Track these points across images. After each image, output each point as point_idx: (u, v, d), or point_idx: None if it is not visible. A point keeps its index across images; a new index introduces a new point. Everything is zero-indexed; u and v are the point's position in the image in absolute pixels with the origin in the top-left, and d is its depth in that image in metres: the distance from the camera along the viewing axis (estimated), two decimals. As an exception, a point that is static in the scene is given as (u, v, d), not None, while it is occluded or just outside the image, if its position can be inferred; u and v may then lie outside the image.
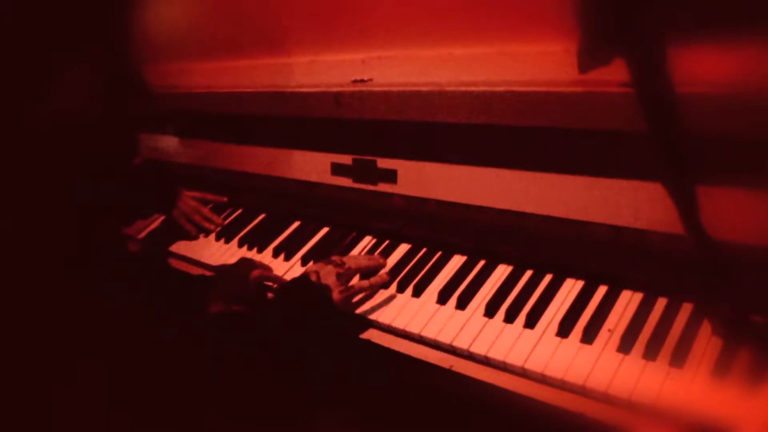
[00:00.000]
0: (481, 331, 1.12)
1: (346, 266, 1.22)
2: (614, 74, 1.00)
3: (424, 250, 1.33)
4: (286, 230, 1.54)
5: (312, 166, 1.48)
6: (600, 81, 1.03)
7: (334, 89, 1.37)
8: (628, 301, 1.08)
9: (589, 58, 1.04)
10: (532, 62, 1.13)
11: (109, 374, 1.07)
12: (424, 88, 1.23)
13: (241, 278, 1.34)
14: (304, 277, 1.20)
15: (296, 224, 1.54)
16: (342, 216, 1.47)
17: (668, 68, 0.93)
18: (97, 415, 1.07)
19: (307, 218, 1.53)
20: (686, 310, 1.03)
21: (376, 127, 1.34)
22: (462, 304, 1.18)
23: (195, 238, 1.64)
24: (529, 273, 1.20)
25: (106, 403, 1.07)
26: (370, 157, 1.37)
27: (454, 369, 1.10)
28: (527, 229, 1.21)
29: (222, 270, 1.42)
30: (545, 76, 1.11)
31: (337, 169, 1.43)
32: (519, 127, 1.17)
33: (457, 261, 1.28)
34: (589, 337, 1.04)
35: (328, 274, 1.20)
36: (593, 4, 1.01)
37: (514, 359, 1.05)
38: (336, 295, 1.18)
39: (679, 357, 0.96)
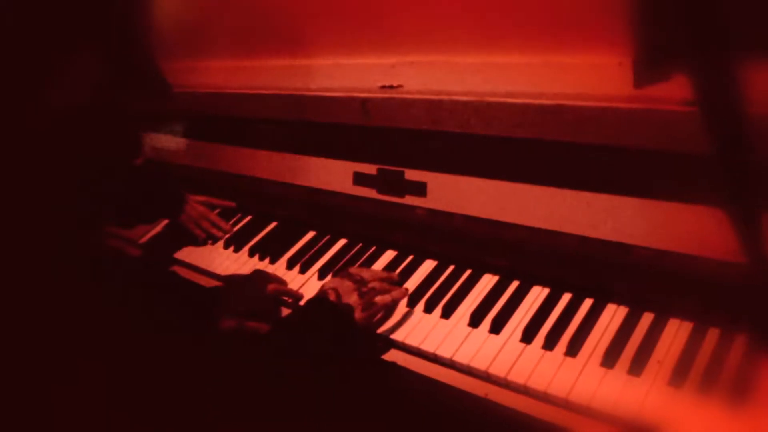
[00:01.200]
0: (518, 357, 1.06)
1: (369, 285, 1.14)
2: (674, 91, 0.95)
3: (452, 267, 1.26)
4: (300, 240, 1.46)
5: (332, 175, 1.40)
6: (658, 98, 0.97)
7: (360, 95, 1.30)
8: (676, 331, 1.02)
9: (647, 72, 0.99)
10: (581, 75, 1.07)
11: (110, 375, 1.02)
12: (461, 98, 1.16)
13: (255, 292, 1.26)
14: (323, 296, 1.13)
15: (311, 234, 1.47)
16: (361, 228, 1.39)
17: (739, 87, 0.87)
18: (96, 416, 1.01)
19: (323, 229, 1.46)
20: (740, 342, 0.98)
21: (404, 137, 1.27)
22: (496, 328, 1.11)
23: (202, 244, 1.55)
24: (567, 296, 1.14)
25: (106, 404, 1.01)
26: (397, 168, 1.29)
27: (489, 397, 1.04)
28: (565, 250, 1.15)
29: (234, 282, 1.33)
30: (595, 90, 1.05)
31: (360, 179, 1.36)
32: (563, 142, 1.11)
33: (488, 281, 1.21)
34: (637, 369, 0.98)
35: (348, 293, 1.13)
36: (654, 15, 0.96)
37: (557, 390, 0.99)
38: (358, 315, 1.11)
39: (738, 393, 0.91)
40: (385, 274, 1.19)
